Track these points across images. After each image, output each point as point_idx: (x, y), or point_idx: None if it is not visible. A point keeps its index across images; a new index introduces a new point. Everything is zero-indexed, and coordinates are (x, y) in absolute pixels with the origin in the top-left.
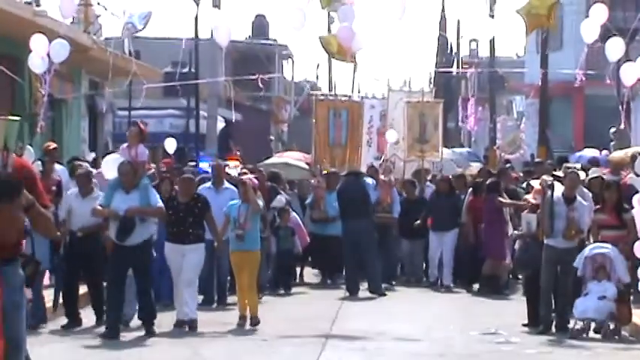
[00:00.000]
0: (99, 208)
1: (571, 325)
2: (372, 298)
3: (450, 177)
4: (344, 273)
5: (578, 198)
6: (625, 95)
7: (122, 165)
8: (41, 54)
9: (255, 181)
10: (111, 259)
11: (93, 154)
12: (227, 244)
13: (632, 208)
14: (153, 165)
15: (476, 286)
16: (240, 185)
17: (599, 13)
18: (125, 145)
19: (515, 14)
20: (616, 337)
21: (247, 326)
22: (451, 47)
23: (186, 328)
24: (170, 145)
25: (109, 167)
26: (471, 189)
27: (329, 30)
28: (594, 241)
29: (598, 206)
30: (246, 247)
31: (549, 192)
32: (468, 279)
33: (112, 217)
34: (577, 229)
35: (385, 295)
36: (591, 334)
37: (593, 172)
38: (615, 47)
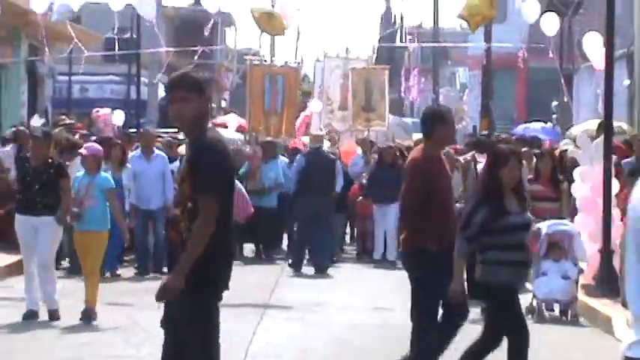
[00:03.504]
0: None
1: (534, 304)
2: (311, 270)
3: (393, 146)
4: (291, 248)
5: None
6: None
7: None
8: None
9: (98, 149)
10: None
11: (42, 120)
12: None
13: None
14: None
15: None
16: (81, 157)
17: None
18: None
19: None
20: (577, 318)
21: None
22: (394, 18)
23: (37, 319)
24: (118, 117)
25: None
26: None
27: (272, 5)
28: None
29: (530, 176)
30: (89, 227)
31: (472, 167)
32: None
33: None
34: None
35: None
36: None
37: (565, 145)
38: (551, 22)
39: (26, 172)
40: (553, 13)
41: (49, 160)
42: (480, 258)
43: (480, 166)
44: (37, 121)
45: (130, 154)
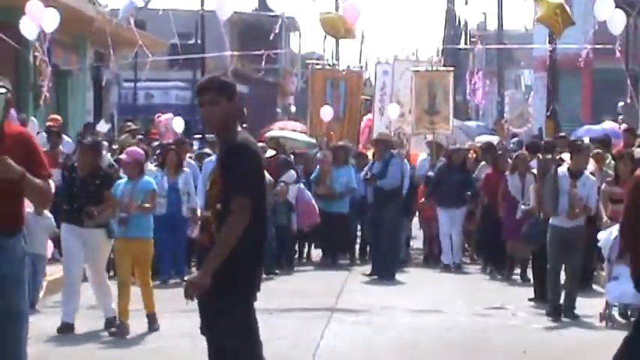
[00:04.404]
0: None
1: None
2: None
3: (463, 148)
4: (373, 257)
5: (586, 173)
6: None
7: None
8: (34, 20)
9: (139, 153)
10: None
11: (108, 125)
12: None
13: None
14: None
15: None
16: (122, 164)
17: None
18: None
19: None
20: None
21: (132, 331)
22: (459, 20)
23: (72, 331)
24: (178, 124)
25: None
26: (482, 163)
27: (336, 8)
28: (605, 216)
29: (609, 179)
30: (132, 234)
31: (552, 168)
32: (483, 260)
33: None
34: (582, 205)
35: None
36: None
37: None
38: (618, 21)
39: (72, 183)
40: (620, 10)
41: (97, 171)
42: None
43: (560, 168)
44: (103, 127)
45: (208, 158)
